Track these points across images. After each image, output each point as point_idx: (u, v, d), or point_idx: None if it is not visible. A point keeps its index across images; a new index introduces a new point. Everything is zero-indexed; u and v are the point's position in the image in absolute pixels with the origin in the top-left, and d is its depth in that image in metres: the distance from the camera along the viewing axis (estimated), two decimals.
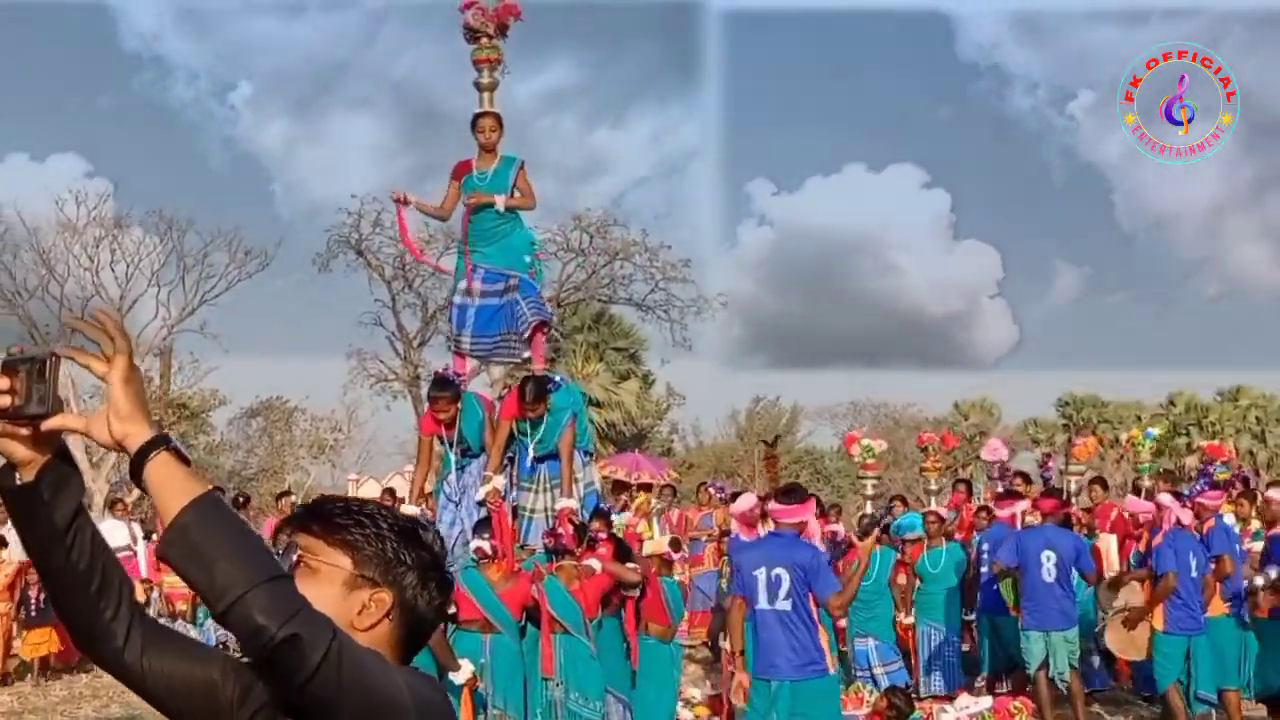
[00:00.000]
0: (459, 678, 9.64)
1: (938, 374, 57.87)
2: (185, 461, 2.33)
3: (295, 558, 2.54)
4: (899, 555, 15.26)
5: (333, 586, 2.51)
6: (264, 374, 43.65)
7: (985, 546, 14.27)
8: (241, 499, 21.44)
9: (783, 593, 9.27)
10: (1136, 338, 60.98)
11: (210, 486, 2.31)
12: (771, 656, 9.24)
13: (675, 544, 12.07)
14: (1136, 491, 16.90)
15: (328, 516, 2.57)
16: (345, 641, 2.29)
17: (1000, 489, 16.15)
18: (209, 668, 2.59)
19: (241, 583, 2.19)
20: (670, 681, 11.43)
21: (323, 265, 35.15)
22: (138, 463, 2.32)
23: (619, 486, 17.99)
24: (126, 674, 2.58)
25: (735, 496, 15.10)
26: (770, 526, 14.47)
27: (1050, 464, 18.44)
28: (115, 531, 20.05)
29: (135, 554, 20.08)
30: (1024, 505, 14.03)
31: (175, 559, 2.25)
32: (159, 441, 2.32)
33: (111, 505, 22.16)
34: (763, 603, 9.29)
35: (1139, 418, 53.76)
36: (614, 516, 12.55)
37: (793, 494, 9.88)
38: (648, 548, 12.40)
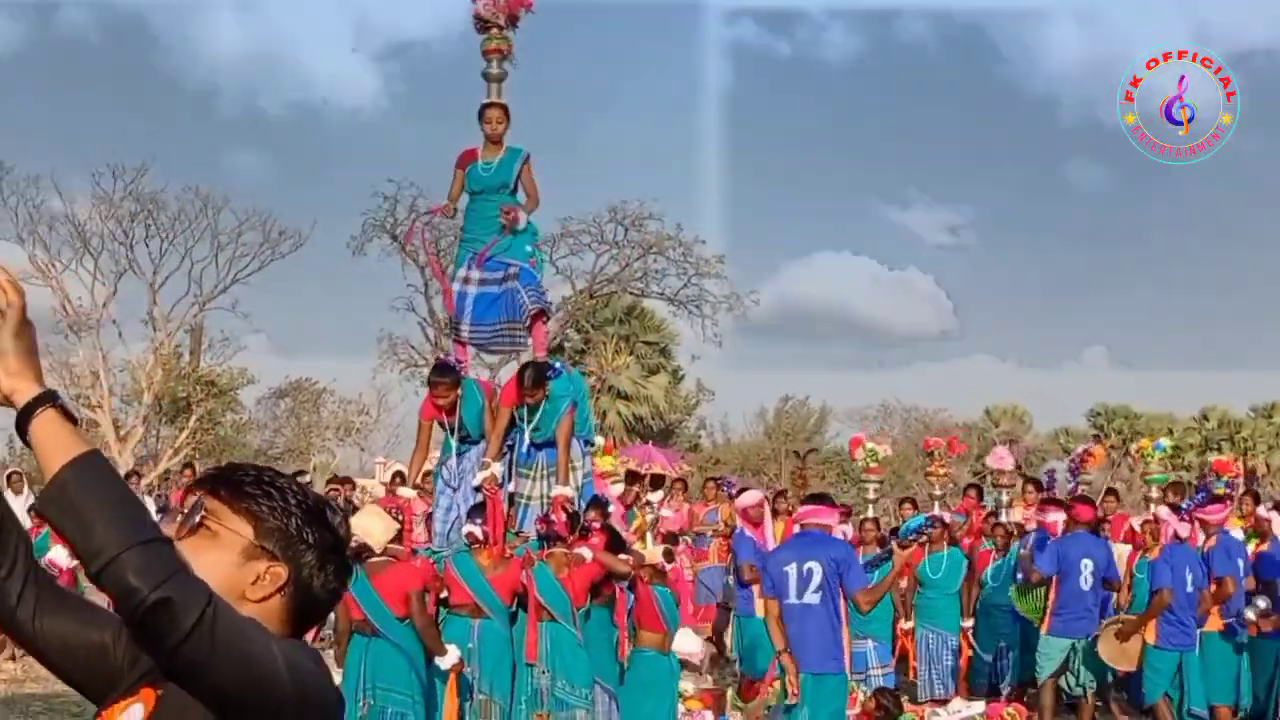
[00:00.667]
0: (445, 663, 9.69)
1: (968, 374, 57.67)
2: (72, 420, 2.37)
3: (198, 518, 2.54)
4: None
5: (230, 553, 2.51)
6: (294, 357, 43.74)
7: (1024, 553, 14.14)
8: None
9: (813, 586, 9.54)
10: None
11: (92, 447, 2.36)
12: (798, 648, 9.50)
13: (669, 554, 12.08)
14: (1147, 502, 16.88)
15: (237, 483, 2.58)
16: (221, 607, 2.30)
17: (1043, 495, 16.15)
18: (102, 631, 2.62)
19: (116, 543, 2.21)
20: (669, 693, 11.45)
21: (357, 249, 35.29)
22: (23, 418, 2.34)
23: (631, 477, 17.98)
24: (20, 633, 2.61)
25: (742, 491, 15.12)
26: (770, 524, 14.68)
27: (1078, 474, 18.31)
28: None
29: None
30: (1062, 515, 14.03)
31: (53, 516, 2.27)
32: (45, 398, 2.35)
33: (126, 478, 22.24)
34: (792, 597, 9.57)
35: (1171, 430, 53.55)
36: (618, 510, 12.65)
37: (821, 498, 10.27)
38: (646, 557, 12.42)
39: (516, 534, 10.89)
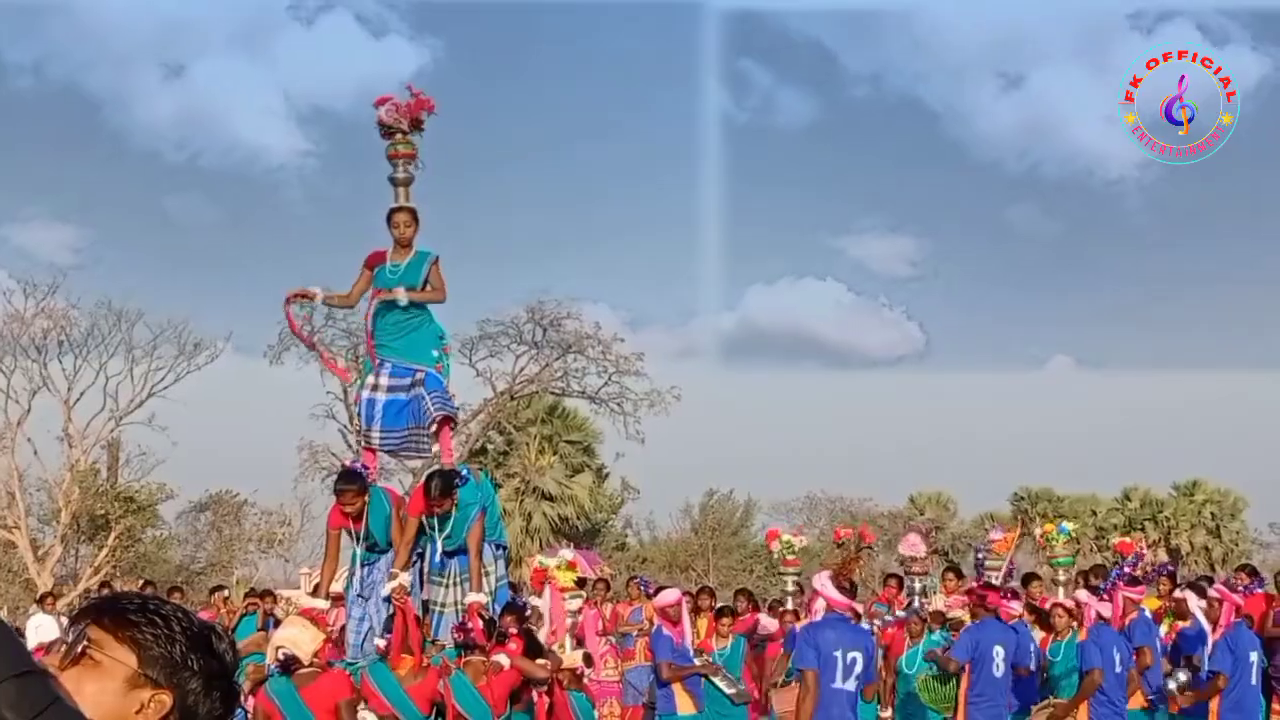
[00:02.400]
0: None
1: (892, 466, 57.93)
2: None
3: (80, 648, 2.48)
4: None
5: (114, 681, 2.46)
6: (213, 466, 43.44)
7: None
8: (172, 591, 21.25)
9: (855, 674, 9.90)
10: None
11: None
12: None
13: (588, 659, 12.02)
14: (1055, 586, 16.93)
15: (120, 612, 2.53)
16: None
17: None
18: None
19: None
20: None
21: (274, 358, 35.22)
22: None
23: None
24: None
25: (659, 590, 15.01)
26: (689, 622, 14.59)
27: (1012, 563, 18.35)
28: (45, 626, 19.90)
29: None
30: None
31: None
32: None
33: (41, 600, 21.93)
34: (837, 682, 9.81)
35: (1094, 512, 53.98)
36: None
37: (853, 590, 10.56)
38: (565, 662, 12.33)
39: (432, 643, 10.76)
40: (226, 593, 20.92)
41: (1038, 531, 20.94)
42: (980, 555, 18.19)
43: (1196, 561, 51.20)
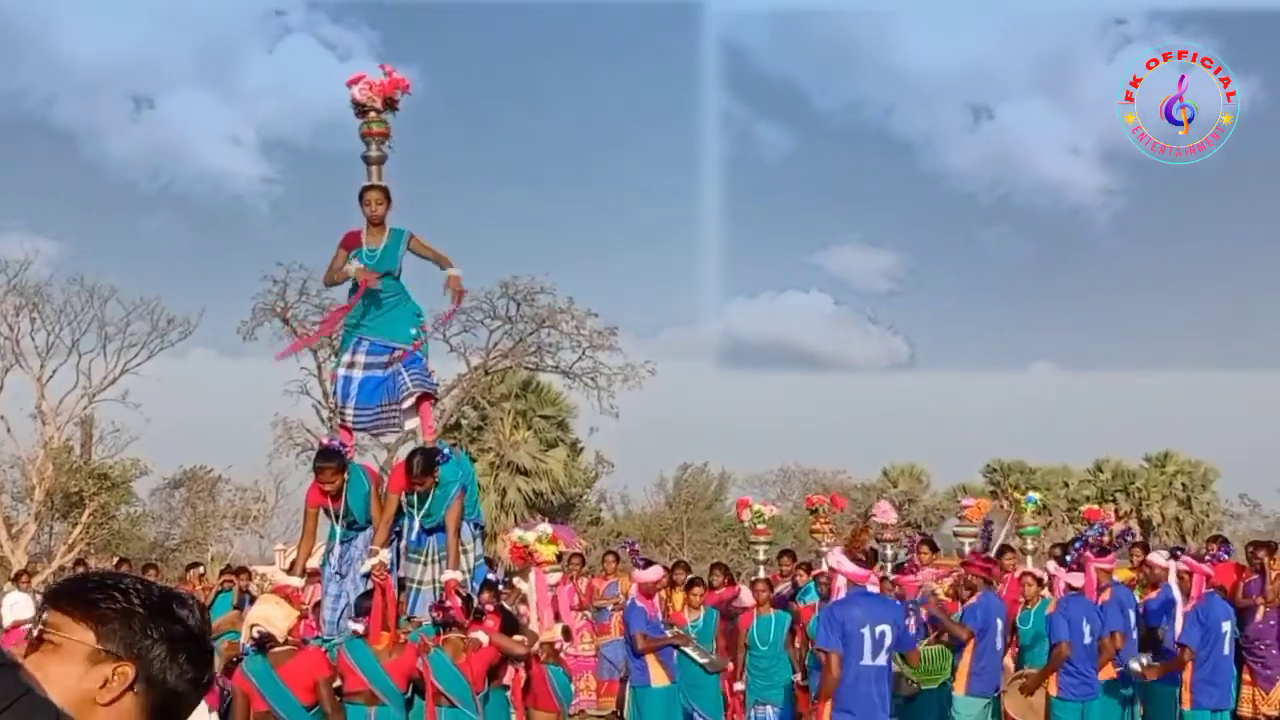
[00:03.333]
0: None
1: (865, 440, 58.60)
2: None
3: (37, 633, 2.50)
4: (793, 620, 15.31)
5: (75, 663, 2.46)
6: (187, 443, 43.43)
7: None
8: (147, 569, 21.23)
9: (884, 649, 9.85)
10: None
11: None
12: (868, 709, 9.77)
13: (566, 633, 12.08)
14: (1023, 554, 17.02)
15: (76, 593, 2.53)
16: None
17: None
18: None
19: None
20: None
21: (247, 334, 35.11)
22: None
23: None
24: None
25: (648, 565, 15.05)
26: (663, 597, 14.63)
27: (990, 529, 18.32)
28: (21, 603, 19.87)
29: None
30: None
31: None
32: None
33: (16, 577, 21.90)
34: (866, 659, 9.76)
35: (1066, 484, 54.19)
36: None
37: (871, 560, 10.69)
38: (543, 636, 12.34)
39: (409, 619, 10.78)
40: (202, 569, 20.93)
41: (1005, 502, 21.05)
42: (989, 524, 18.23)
43: (1168, 532, 51.44)
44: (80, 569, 20.93)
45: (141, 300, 33.54)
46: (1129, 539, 17.34)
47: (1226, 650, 12.24)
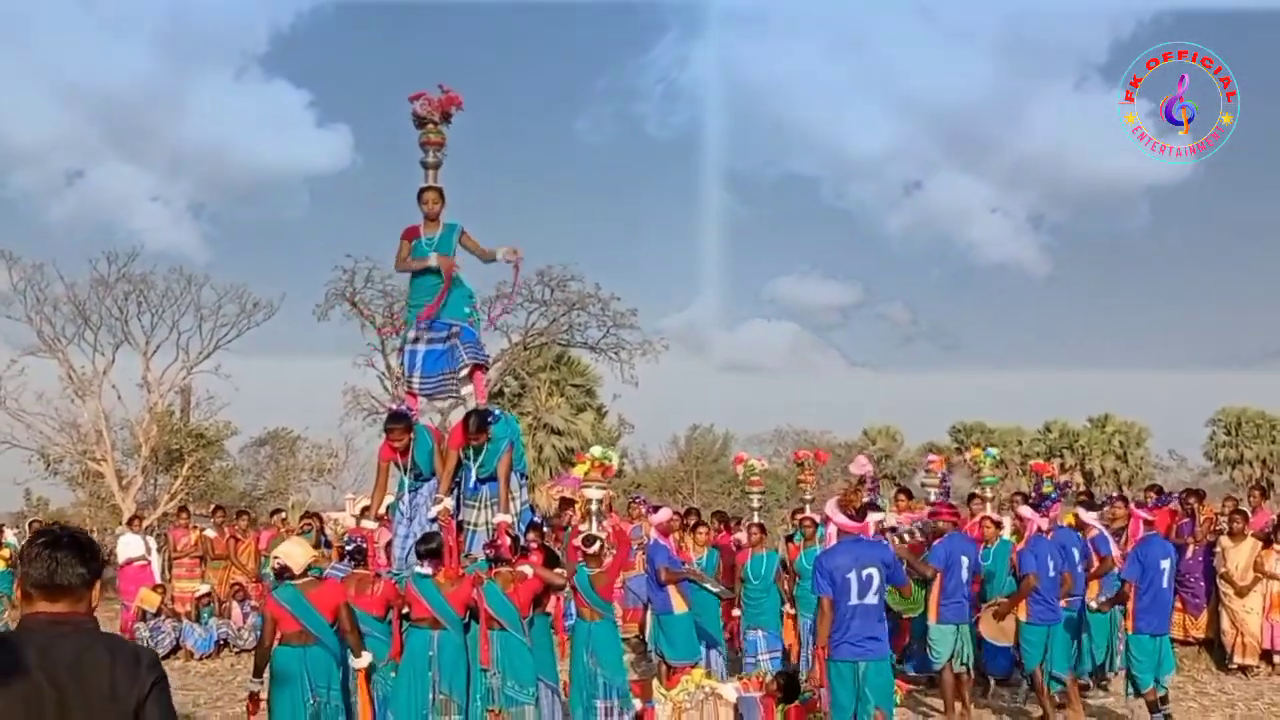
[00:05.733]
0: (360, 663, 9.83)
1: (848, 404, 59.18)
2: None
3: None
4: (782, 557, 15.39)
5: None
6: (270, 408, 43.65)
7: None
8: (240, 515, 21.33)
9: (873, 589, 9.56)
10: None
11: None
12: (862, 644, 9.51)
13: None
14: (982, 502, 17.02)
15: None
16: None
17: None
18: None
19: None
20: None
21: (321, 315, 35.19)
22: None
23: (565, 503, 17.95)
24: None
25: (657, 509, 15.11)
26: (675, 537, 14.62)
27: (948, 481, 18.27)
28: (132, 543, 19.99)
29: (149, 563, 20.00)
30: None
31: None
32: None
33: (130, 521, 22.01)
34: (854, 599, 9.52)
35: (1020, 442, 54.19)
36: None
37: (863, 514, 10.17)
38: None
39: (466, 556, 10.84)
40: (284, 514, 21.06)
41: (967, 455, 20.99)
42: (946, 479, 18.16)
43: (1107, 483, 51.45)
44: (183, 514, 21.10)
45: (231, 286, 33.65)
46: (1065, 490, 17.34)
47: (1165, 584, 12.20)
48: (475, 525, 11.13)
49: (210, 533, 19.95)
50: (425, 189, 11.32)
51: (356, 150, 60.74)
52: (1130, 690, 12.36)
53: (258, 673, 9.84)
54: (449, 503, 10.77)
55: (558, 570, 10.98)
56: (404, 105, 11.22)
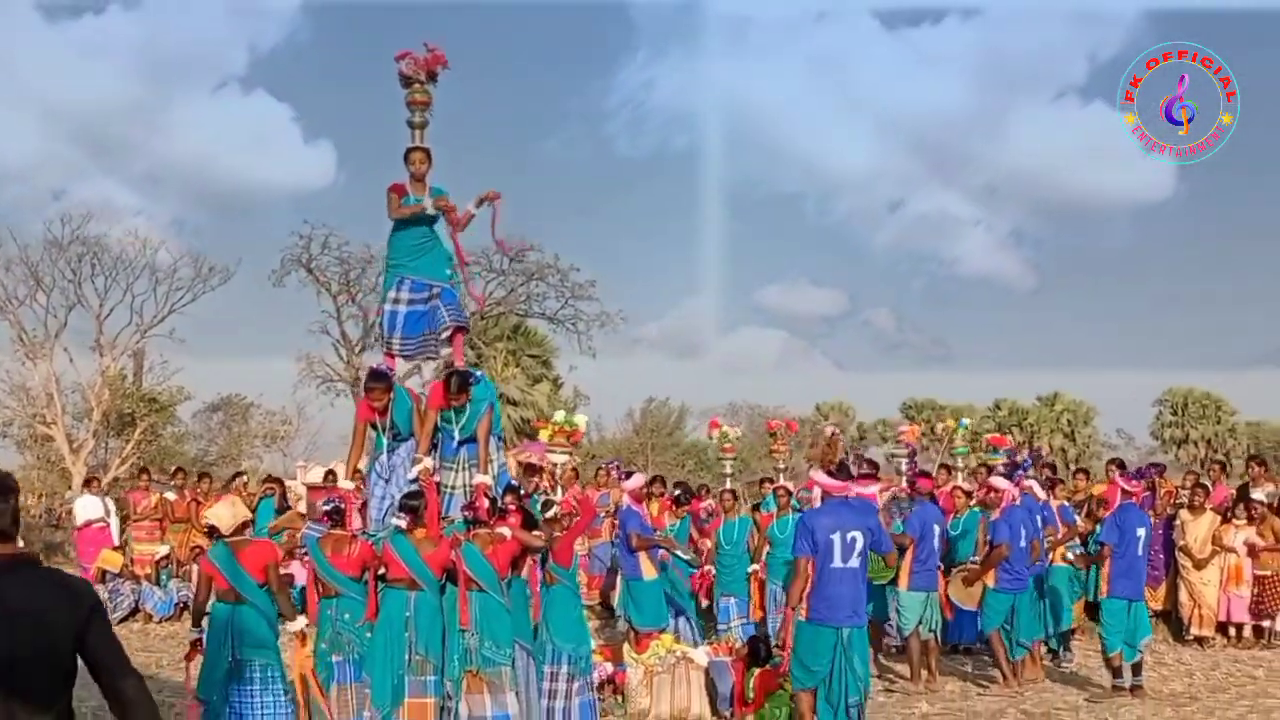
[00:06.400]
0: (293, 627, 9.98)
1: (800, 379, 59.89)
2: None
3: None
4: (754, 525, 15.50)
5: None
6: (224, 374, 43.39)
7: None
8: (201, 477, 21.23)
9: (855, 552, 9.37)
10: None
11: None
12: (843, 607, 9.34)
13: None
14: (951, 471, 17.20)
15: None
16: None
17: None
18: None
19: None
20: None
21: (276, 281, 35.00)
22: None
23: (529, 469, 17.91)
24: None
25: (629, 475, 15.16)
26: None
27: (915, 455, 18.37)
28: (91, 505, 19.84)
29: (108, 525, 19.86)
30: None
31: None
32: None
33: (87, 483, 21.83)
34: (836, 561, 9.35)
35: (970, 418, 54.55)
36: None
37: (844, 471, 10.00)
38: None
39: (443, 518, 10.83)
40: (245, 478, 20.98)
41: (939, 427, 21.14)
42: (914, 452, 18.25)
43: (1055, 461, 51.98)
44: (143, 476, 20.97)
45: (187, 251, 33.45)
46: (1042, 460, 17.54)
47: (1140, 552, 12.38)
48: (453, 488, 11.09)
49: (170, 495, 19.82)
50: (412, 149, 11.23)
51: (340, 168, 60.61)
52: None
53: (195, 623, 10.13)
54: (429, 462, 10.74)
55: (535, 532, 10.99)
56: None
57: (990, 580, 12.79)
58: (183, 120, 56.38)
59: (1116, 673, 12.27)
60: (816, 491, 10.18)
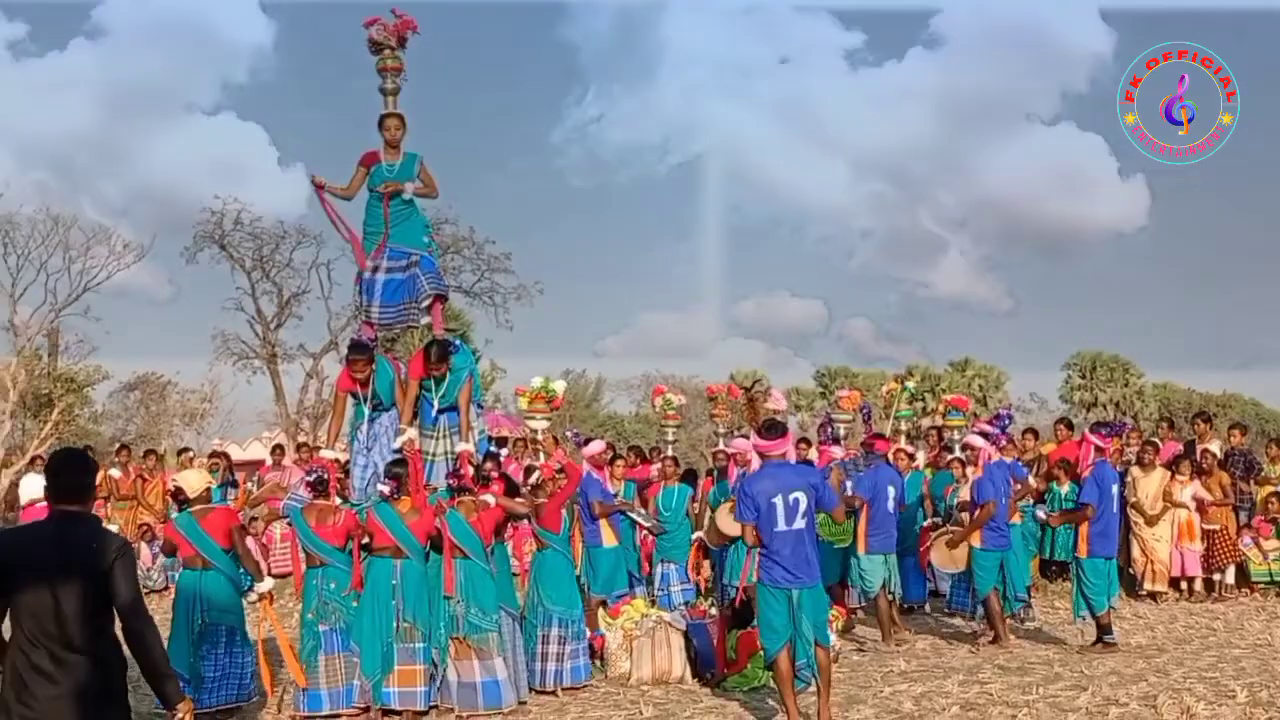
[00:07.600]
0: (261, 588, 10.31)
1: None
2: None
3: None
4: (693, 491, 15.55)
5: None
6: (140, 351, 42.75)
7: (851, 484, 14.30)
8: (147, 454, 21.01)
9: (800, 514, 9.16)
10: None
11: None
12: (794, 570, 9.14)
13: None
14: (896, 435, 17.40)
15: None
16: None
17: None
18: None
19: None
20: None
21: (189, 258, 34.50)
22: None
23: (498, 443, 17.90)
24: None
25: (588, 442, 15.20)
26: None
27: (830, 422, 18.51)
28: (37, 484, 19.60)
29: None
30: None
31: None
32: None
33: (32, 460, 21.54)
34: (781, 525, 9.15)
35: (882, 385, 55.17)
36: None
37: (775, 429, 9.66)
38: None
39: (426, 486, 10.87)
40: (193, 454, 20.84)
41: (884, 389, 21.36)
42: (829, 414, 18.39)
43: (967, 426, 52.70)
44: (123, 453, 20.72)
45: (100, 228, 32.94)
46: (1012, 419, 17.80)
47: (1115, 510, 12.65)
48: (434, 455, 11.15)
49: (115, 472, 19.58)
50: (386, 115, 11.25)
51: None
52: (1083, 612, 12.74)
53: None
54: (413, 432, 10.79)
55: (518, 499, 11.07)
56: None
57: (976, 540, 12.94)
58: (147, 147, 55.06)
59: (1107, 629, 12.47)
60: (754, 456, 10.11)
